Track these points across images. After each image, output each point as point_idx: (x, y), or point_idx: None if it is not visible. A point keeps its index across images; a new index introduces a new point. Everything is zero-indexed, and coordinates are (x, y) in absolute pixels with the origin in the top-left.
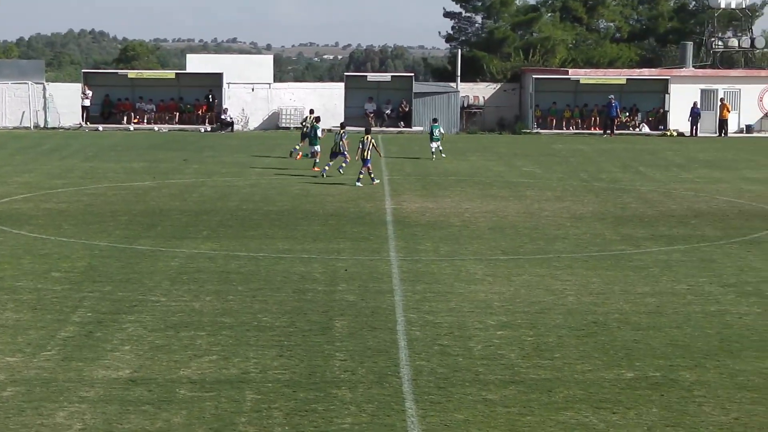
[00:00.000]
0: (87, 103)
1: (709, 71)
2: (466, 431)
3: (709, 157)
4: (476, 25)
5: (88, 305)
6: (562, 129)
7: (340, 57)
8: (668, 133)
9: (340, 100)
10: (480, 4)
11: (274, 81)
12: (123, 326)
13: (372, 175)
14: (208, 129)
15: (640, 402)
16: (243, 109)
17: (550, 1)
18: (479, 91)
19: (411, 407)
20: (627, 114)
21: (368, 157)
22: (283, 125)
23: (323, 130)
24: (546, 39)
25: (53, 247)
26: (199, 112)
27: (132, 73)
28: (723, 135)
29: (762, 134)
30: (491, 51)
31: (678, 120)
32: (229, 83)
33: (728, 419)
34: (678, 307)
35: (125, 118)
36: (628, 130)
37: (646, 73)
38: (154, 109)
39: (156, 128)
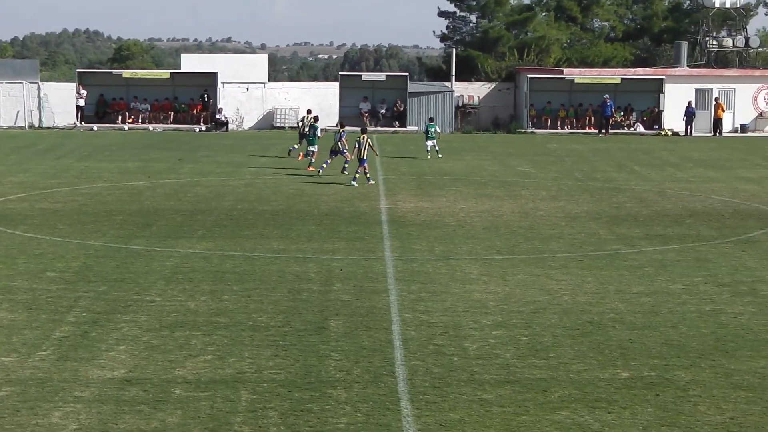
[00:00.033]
0: (81, 102)
1: (703, 71)
2: (462, 431)
3: (703, 156)
4: (471, 24)
5: (83, 305)
6: (557, 128)
7: (334, 56)
8: (663, 133)
9: (334, 100)
10: (474, 3)
11: (269, 81)
12: (118, 326)
13: (368, 175)
14: (203, 129)
15: (635, 401)
16: (237, 109)
17: (544, 1)
18: (474, 91)
19: (406, 407)
20: (622, 113)
21: (365, 157)
22: (278, 125)
23: (322, 129)
24: (540, 38)
25: (48, 247)
26: (194, 111)
27: (126, 73)
28: (718, 134)
29: (757, 134)
30: (486, 50)
31: (673, 119)
32: (223, 83)
33: (723, 419)
34: (673, 307)
35: (120, 118)
36: (623, 129)
37: (640, 72)
38: (149, 109)
39: (151, 128)
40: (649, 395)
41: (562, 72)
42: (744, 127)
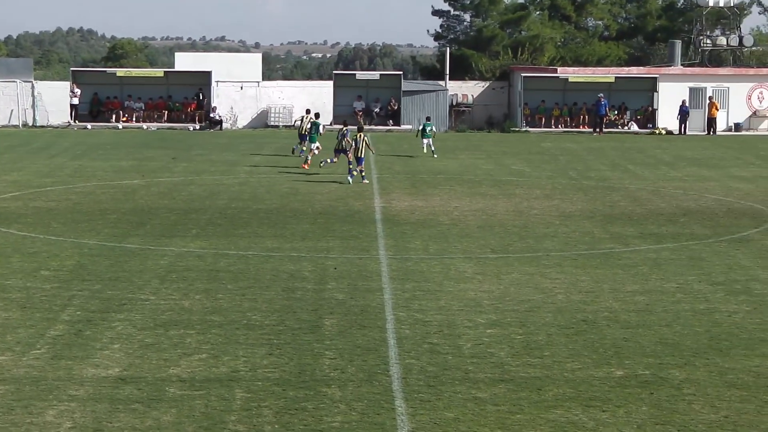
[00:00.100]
0: (75, 101)
1: (697, 69)
2: (456, 429)
3: (697, 155)
4: (465, 23)
5: (77, 304)
6: (551, 127)
7: (328, 55)
8: (657, 132)
9: (329, 99)
10: (468, 2)
11: (263, 79)
12: (112, 325)
13: (363, 174)
14: (197, 127)
15: (629, 400)
16: (231, 108)
17: (538, 0)
18: (468, 90)
19: (401, 405)
20: (616, 112)
21: (362, 156)
22: (272, 123)
23: (323, 126)
24: (534, 37)
25: (42, 246)
26: (188, 110)
27: (120, 72)
28: (711, 133)
29: (750, 132)
30: (480, 49)
31: (667, 118)
32: (217, 81)
33: (718, 417)
34: (667, 306)
35: (114, 117)
36: (617, 128)
37: (634, 71)
38: (143, 108)
39: (145, 126)
40: (644, 394)
41: (556, 71)
42: (738, 126)
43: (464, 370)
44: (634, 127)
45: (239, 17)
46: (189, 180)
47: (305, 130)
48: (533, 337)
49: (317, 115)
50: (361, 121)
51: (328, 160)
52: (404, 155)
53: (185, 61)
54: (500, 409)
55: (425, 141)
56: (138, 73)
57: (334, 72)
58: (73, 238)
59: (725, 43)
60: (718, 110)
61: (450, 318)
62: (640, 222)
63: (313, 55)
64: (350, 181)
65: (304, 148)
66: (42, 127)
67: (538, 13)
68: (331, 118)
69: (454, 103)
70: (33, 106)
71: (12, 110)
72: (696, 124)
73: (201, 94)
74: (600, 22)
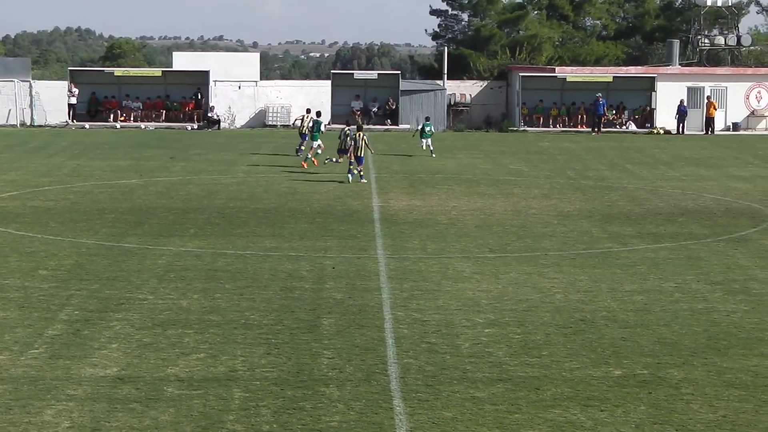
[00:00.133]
0: (73, 100)
1: (695, 69)
2: (454, 429)
3: (695, 154)
4: (463, 22)
5: (75, 303)
6: (549, 127)
7: (326, 55)
8: (655, 131)
9: (326, 98)
10: (466, 2)
11: (261, 79)
12: (110, 324)
13: (361, 174)
14: (195, 127)
15: (628, 400)
16: (229, 107)
17: None
18: (466, 89)
19: (399, 405)
20: (614, 112)
21: (362, 155)
22: (270, 123)
23: (324, 124)
24: (532, 37)
25: (40, 245)
26: (186, 109)
27: (118, 71)
28: (709, 133)
29: (748, 132)
30: (478, 49)
31: (665, 118)
32: (215, 81)
33: (716, 417)
34: (665, 305)
35: (112, 116)
36: (615, 127)
37: (632, 71)
38: (141, 107)
39: (142, 126)
40: (642, 393)
41: (554, 70)
42: (736, 126)
43: (462, 369)
44: (632, 127)
45: (237, 17)
46: (187, 179)
47: (306, 129)
48: (531, 337)
49: (319, 114)
50: (360, 120)
51: (334, 159)
52: (402, 155)
53: (183, 61)
54: (498, 409)
55: (424, 141)
56: (136, 72)
57: (332, 71)
58: (71, 237)
59: (723, 42)
60: (716, 110)
61: (448, 317)
62: (639, 221)
63: (311, 54)
64: (350, 179)
65: (303, 147)
66: (40, 126)
67: (536, 12)
68: (329, 117)
69: (452, 103)
70: (31, 105)
71: (10, 110)
72: (694, 124)
73: (199, 94)
74: (598, 22)
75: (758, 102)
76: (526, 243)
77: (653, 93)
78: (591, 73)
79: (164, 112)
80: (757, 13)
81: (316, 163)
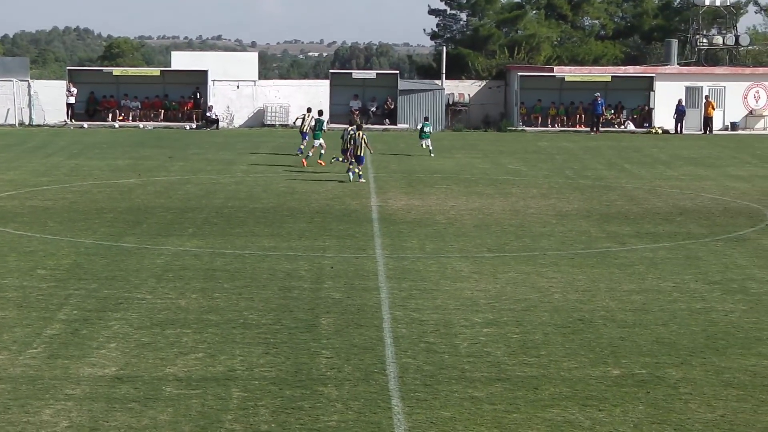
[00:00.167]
0: (72, 100)
1: (693, 69)
2: (453, 428)
3: (693, 154)
4: (461, 22)
5: (73, 303)
6: (548, 126)
7: (325, 54)
8: (653, 131)
9: (325, 98)
10: (465, 1)
11: (259, 78)
12: (109, 324)
13: (360, 174)
14: (194, 126)
15: (626, 399)
16: (228, 107)
17: None
18: (464, 89)
19: (397, 404)
20: (612, 111)
21: (362, 155)
22: (269, 123)
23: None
24: (531, 36)
25: (38, 245)
26: (185, 109)
27: (117, 71)
28: (708, 132)
29: (747, 132)
30: (476, 48)
31: (663, 117)
32: (214, 80)
33: (714, 416)
34: (664, 305)
35: (110, 116)
36: (614, 127)
37: (631, 70)
38: (139, 107)
39: (141, 126)
40: (640, 393)
41: (552, 70)
42: (734, 125)
43: (461, 369)
44: (631, 127)
45: (236, 16)
46: (185, 179)
47: (308, 128)
48: (530, 337)
49: (321, 113)
50: (359, 119)
51: (340, 159)
52: (401, 154)
53: (182, 60)
54: (497, 408)
55: (423, 142)
56: (134, 72)
57: (331, 71)
58: (69, 237)
59: (721, 42)
60: (714, 109)
61: (446, 317)
62: (637, 221)
63: (310, 54)
64: (351, 178)
65: (303, 146)
66: (38, 126)
67: (534, 12)
68: (327, 117)
69: (451, 102)
70: (29, 105)
71: (8, 109)
72: (692, 124)
73: (197, 93)
74: (596, 22)
75: (756, 102)
76: (525, 242)
77: (652, 93)
78: (589, 72)
79: (163, 111)
80: (756, 12)
81: (323, 163)
